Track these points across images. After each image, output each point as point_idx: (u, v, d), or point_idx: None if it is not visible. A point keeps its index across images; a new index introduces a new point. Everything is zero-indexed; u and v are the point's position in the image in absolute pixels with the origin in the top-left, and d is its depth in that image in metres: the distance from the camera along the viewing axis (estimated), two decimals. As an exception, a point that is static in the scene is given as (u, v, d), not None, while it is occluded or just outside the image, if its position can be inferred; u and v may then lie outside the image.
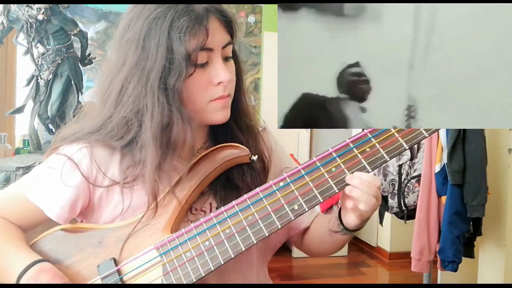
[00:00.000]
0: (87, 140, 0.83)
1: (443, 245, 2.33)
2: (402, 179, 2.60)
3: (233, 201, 0.76)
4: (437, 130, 0.71)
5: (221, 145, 0.80)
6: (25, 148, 2.57)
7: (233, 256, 0.74)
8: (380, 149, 0.72)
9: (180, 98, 0.77)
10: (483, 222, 2.39)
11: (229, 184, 0.83)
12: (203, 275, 0.75)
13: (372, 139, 0.73)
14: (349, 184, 0.73)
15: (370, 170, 0.72)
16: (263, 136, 0.93)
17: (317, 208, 0.86)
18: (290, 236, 0.96)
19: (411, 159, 2.59)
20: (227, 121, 0.83)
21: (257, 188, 0.76)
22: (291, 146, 4.55)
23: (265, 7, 4.54)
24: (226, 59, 0.81)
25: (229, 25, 0.80)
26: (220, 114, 0.81)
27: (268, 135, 0.96)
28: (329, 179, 0.73)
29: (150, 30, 0.76)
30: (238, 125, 0.87)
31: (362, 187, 0.72)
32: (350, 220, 0.78)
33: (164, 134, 0.76)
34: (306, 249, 0.98)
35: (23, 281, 0.75)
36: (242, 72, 0.87)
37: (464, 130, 2.24)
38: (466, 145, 2.26)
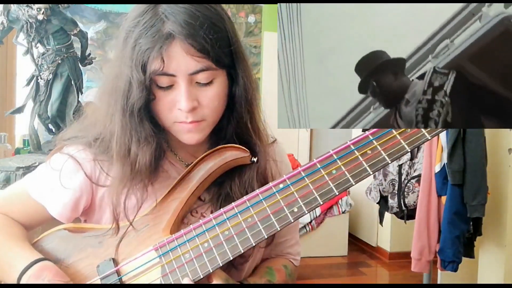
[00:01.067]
0: (90, 146, 0.84)
1: (443, 245, 2.33)
2: (402, 179, 2.61)
3: (232, 203, 0.76)
4: (440, 132, 0.70)
5: (221, 146, 0.80)
6: (25, 148, 2.57)
7: (231, 258, 0.73)
8: (382, 152, 0.70)
9: (151, 115, 0.78)
10: (483, 222, 2.39)
11: (229, 197, 0.82)
12: (202, 277, 0.74)
13: (374, 141, 0.71)
14: (349, 187, 0.72)
15: (371, 173, 0.70)
16: (271, 150, 0.89)
17: (317, 209, 0.86)
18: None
19: (411, 159, 2.59)
20: (230, 137, 0.82)
21: (257, 190, 0.75)
22: (291, 146, 4.55)
23: (265, 7, 4.54)
24: (205, 83, 0.76)
25: (204, 51, 0.73)
26: (186, 137, 0.80)
27: (275, 148, 0.93)
28: (329, 181, 0.72)
29: (124, 44, 0.76)
30: (242, 143, 0.83)
31: None
32: None
33: (127, 153, 0.78)
34: None
35: (24, 278, 0.76)
36: (248, 93, 0.81)
37: (464, 130, 2.24)
38: (466, 145, 2.26)
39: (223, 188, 0.82)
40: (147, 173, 0.79)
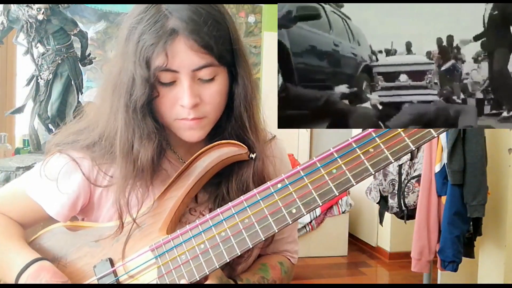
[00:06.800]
0: (88, 149, 0.83)
1: (443, 245, 2.33)
2: (402, 179, 2.60)
3: (229, 203, 0.75)
4: (446, 130, 0.67)
5: (218, 142, 0.78)
6: (25, 148, 2.57)
7: (228, 260, 0.73)
8: (385, 150, 0.66)
9: (151, 111, 0.77)
10: (483, 222, 2.39)
11: (226, 198, 0.81)
12: (198, 279, 0.73)
13: (377, 139, 0.67)
14: (350, 187, 0.69)
15: (373, 172, 0.67)
16: (269, 147, 0.89)
17: (317, 209, 0.84)
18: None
19: (411, 159, 2.58)
20: (229, 136, 0.81)
21: (254, 190, 0.73)
22: (291, 146, 4.55)
23: (265, 7, 4.54)
24: (207, 80, 0.76)
25: (208, 47, 0.73)
26: (187, 134, 0.79)
27: (276, 146, 0.92)
28: (329, 181, 0.68)
29: (127, 41, 0.75)
30: (240, 141, 0.82)
31: None
32: None
33: (130, 150, 0.77)
34: None
35: (23, 278, 0.76)
36: (248, 92, 0.81)
37: (464, 130, 2.24)
38: (466, 145, 2.26)
39: (220, 189, 0.81)
40: (149, 171, 0.78)
